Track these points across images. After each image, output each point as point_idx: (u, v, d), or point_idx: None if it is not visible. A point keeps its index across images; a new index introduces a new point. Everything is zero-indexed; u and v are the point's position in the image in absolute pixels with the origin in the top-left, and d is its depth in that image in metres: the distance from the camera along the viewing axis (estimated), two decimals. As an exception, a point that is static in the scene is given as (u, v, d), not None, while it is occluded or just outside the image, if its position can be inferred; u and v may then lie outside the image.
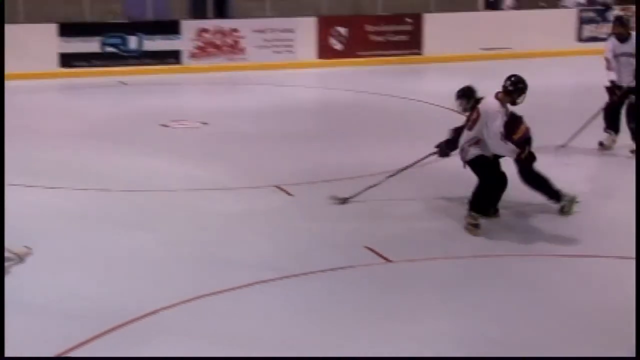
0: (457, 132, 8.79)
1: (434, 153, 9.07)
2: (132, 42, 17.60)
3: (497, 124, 8.08)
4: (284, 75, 17.28)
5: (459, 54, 18.51)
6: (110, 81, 16.47)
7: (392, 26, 18.99)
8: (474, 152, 8.31)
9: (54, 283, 7.08)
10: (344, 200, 8.91)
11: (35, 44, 16.77)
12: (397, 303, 6.76)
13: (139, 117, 13.52)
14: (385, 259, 7.63)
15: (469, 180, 8.36)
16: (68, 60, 17.20)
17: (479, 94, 8.65)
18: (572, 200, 8.77)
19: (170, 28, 17.88)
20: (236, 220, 8.68)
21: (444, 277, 7.34)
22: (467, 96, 8.90)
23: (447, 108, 13.56)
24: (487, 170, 8.35)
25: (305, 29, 18.39)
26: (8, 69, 16.23)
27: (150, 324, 6.32)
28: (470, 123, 8.36)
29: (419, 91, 15.16)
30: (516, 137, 8.44)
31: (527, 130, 8.67)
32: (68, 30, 17.22)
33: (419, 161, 9.15)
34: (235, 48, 18.14)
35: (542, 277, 7.32)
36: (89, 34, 17.37)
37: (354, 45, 18.65)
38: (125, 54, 17.59)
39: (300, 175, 9.38)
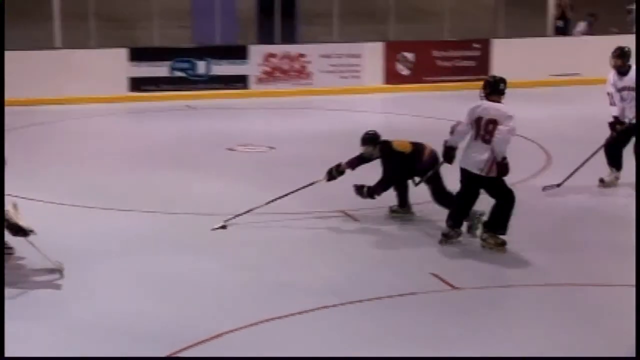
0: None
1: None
2: (201, 66, 17.77)
3: (514, 122, 8.29)
4: (350, 100, 17.29)
5: (528, 80, 18.34)
6: (179, 105, 16.64)
7: (459, 51, 18.90)
8: (494, 168, 8.28)
9: (120, 305, 7.14)
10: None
11: (106, 68, 17.04)
12: (462, 331, 6.67)
13: (206, 141, 13.63)
14: (451, 285, 7.56)
15: (532, 207, 8.24)
16: (137, 84, 17.43)
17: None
18: (479, 218, 8.68)
19: (238, 53, 18.01)
20: (301, 245, 8.67)
21: (511, 305, 7.23)
22: (373, 141, 9.20)
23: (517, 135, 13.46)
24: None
25: (372, 54, 18.39)
26: (80, 93, 16.70)
27: (214, 347, 6.34)
28: (488, 135, 8.28)
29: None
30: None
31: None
32: (138, 54, 17.45)
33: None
34: (302, 73, 18.21)
35: (608, 307, 7.18)
36: (158, 59, 17.58)
37: (421, 70, 18.59)
38: (193, 78, 17.77)
39: (367, 201, 9.34)
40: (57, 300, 7.23)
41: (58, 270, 7.64)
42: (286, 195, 9.34)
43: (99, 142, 13.57)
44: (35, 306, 7.12)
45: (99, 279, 7.67)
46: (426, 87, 18.47)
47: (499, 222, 8.38)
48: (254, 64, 17.99)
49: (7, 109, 15.58)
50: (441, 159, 8.81)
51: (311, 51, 18.28)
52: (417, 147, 9.22)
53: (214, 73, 17.79)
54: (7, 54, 16.63)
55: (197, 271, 7.90)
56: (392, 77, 18.58)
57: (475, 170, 8.33)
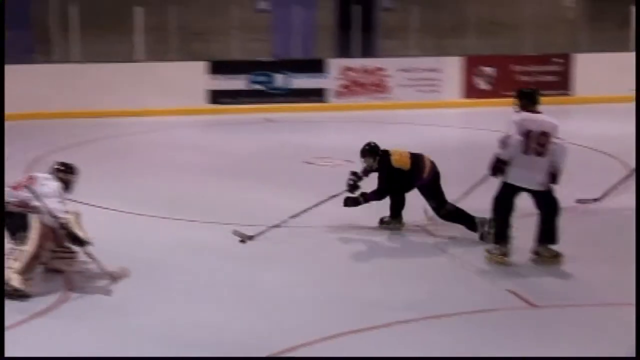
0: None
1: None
2: (279, 80, 17.84)
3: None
4: (428, 114, 17.16)
5: (610, 95, 17.98)
6: (257, 118, 16.71)
7: (540, 66, 18.64)
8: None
9: (196, 316, 7.14)
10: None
11: (185, 81, 17.22)
12: (540, 349, 6.52)
13: (284, 154, 13.64)
14: (529, 303, 7.40)
15: (616, 222, 8.01)
16: (216, 97, 17.57)
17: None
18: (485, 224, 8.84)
19: (316, 66, 18.04)
20: (378, 259, 8.59)
21: (592, 325, 7.05)
22: (375, 153, 9.13)
23: (597, 150, 13.20)
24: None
25: (451, 68, 18.25)
26: (159, 106, 16.89)
27: (288, 361, 6.29)
28: (542, 148, 8.12)
29: (567, 132, 14.72)
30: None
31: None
32: (216, 68, 17.59)
33: None
34: (380, 87, 18.15)
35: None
36: (237, 72, 17.71)
37: (501, 85, 18.35)
38: (271, 91, 17.84)
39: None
40: (124, 307, 7.26)
41: (118, 277, 7.71)
42: (315, 205, 9.26)
43: (178, 154, 13.68)
44: (100, 311, 7.17)
45: (173, 289, 7.69)
46: (506, 102, 18.17)
47: (550, 233, 8.24)
48: (332, 77, 17.99)
49: (88, 120, 16.05)
50: (487, 172, 8.52)
51: (390, 65, 18.22)
52: (417, 163, 9.15)
53: (292, 86, 17.84)
54: (90, 66, 17.07)
55: (273, 284, 7.87)
56: (471, 91, 18.41)
57: (534, 187, 8.17)
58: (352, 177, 9.32)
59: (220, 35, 18.88)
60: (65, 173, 7.92)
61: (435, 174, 9.14)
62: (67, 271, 7.84)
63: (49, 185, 7.67)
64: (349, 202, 9.24)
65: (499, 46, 19.64)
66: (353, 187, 9.28)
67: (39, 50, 18.61)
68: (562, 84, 18.55)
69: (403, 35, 19.31)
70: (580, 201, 10.06)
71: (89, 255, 7.73)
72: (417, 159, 9.22)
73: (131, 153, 14.00)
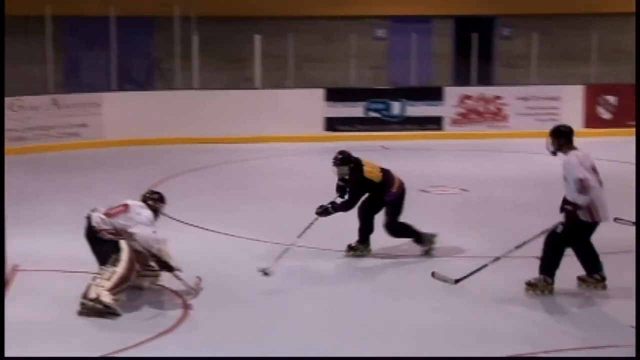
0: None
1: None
2: (395, 107, 17.82)
3: None
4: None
5: None
6: (373, 145, 16.67)
7: (665, 95, 18.11)
8: None
9: (322, 343, 7.09)
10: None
11: (302, 108, 17.37)
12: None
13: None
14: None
15: None
16: (332, 124, 17.65)
17: None
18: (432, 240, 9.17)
19: (433, 94, 17.96)
20: (492, 289, 8.42)
21: None
22: (347, 161, 9.26)
23: None
24: None
25: (572, 97, 17.91)
26: (277, 132, 17.04)
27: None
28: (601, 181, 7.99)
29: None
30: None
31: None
32: (333, 95, 17.69)
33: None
34: (497, 115, 17.94)
35: None
36: (354, 99, 17.77)
37: (624, 114, 17.90)
38: (388, 119, 17.83)
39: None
40: (249, 332, 7.29)
41: (198, 291, 7.81)
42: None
43: (294, 180, 13.76)
44: (224, 334, 7.21)
45: (298, 315, 7.71)
46: (628, 131, 17.74)
47: (597, 262, 8.19)
48: (449, 105, 17.87)
49: (206, 146, 16.30)
50: (560, 224, 8.13)
51: (508, 93, 18.01)
52: (387, 177, 9.28)
53: (409, 114, 17.79)
54: (209, 93, 17.37)
55: (388, 312, 7.79)
56: (592, 120, 18.02)
57: (609, 220, 8.06)
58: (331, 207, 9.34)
59: (338, 62, 18.99)
60: (156, 201, 8.09)
61: (403, 191, 9.29)
62: (149, 288, 8.00)
63: (143, 213, 7.84)
64: (322, 212, 9.27)
65: (622, 74, 19.16)
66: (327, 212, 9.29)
67: (161, 77, 19.07)
68: (688, 114, 17.95)
69: (522, 63, 19.05)
70: (617, 220, 9.65)
71: (176, 276, 7.86)
72: (387, 173, 9.36)
73: (248, 179, 14.14)
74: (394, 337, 7.23)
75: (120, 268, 7.58)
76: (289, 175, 14.28)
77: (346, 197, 9.29)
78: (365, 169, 9.29)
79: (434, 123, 17.88)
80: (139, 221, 7.74)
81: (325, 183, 13.59)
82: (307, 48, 19.02)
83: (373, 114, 17.86)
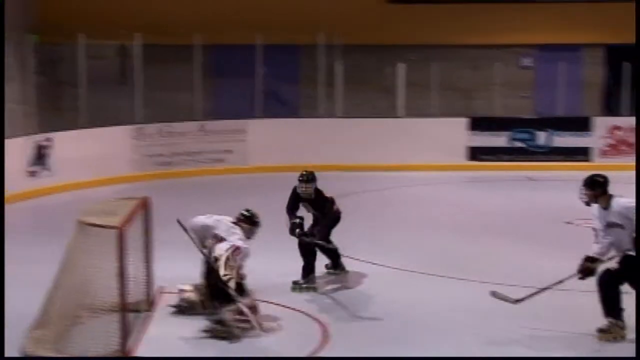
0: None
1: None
2: (541, 137, 17.45)
3: None
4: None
5: None
6: (517, 176, 16.39)
7: None
8: None
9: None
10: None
11: (446, 137, 17.24)
12: None
13: (544, 214, 13.23)
14: None
15: None
16: (476, 153, 17.42)
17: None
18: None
19: (580, 124, 17.51)
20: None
21: None
22: (315, 179, 9.25)
23: None
24: None
25: None
26: (419, 161, 16.94)
27: None
28: None
29: None
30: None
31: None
32: (478, 124, 17.48)
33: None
34: (648, 147, 17.32)
35: None
36: (498, 129, 17.51)
37: None
38: (533, 149, 17.47)
39: None
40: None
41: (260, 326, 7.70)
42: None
43: (437, 210, 13.63)
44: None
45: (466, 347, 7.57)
46: None
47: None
48: (597, 136, 17.38)
49: (348, 173, 16.33)
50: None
51: (661, 124, 17.36)
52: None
53: (555, 144, 17.39)
54: (352, 121, 17.41)
55: (530, 347, 7.55)
56: None
57: None
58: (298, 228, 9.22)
59: (482, 91, 18.77)
60: (244, 222, 8.17)
61: (340, 213, 9.42)
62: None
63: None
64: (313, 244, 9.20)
65: None
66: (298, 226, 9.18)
67: (305, 104, 19.25)
68: None
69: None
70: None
71: (232, 296, 7.72)
72: None
73: (388, 207, 14.08)
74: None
75: (248, 296, 7.73)
76: (432, 204, 14.15)
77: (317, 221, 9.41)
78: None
79: (581, 154, 17.42)
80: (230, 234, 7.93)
81: (470, 212, 13.49)
82: (451, 76, 18.87)
83: (518, 144, 17.54)
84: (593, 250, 7.79)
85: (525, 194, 15.21)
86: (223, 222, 8.06)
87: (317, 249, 9.24)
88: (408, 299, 8.94)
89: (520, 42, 19.64)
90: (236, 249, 7.75)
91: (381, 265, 10.08)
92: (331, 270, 9.65)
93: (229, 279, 7.62)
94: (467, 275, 9.56)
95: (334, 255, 9.55)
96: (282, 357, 6.20)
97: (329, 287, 9.23)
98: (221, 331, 7.54)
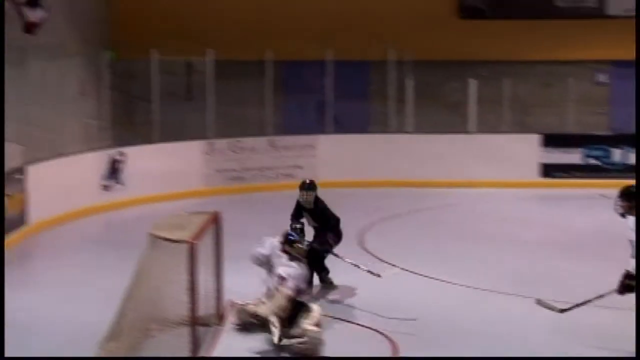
0: None
1: None
2: (616, 154, 17.16)
3: None
4: None
5: None
6: (591, 193, 16.10)
7: None
8: None
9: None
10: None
11: (518, 153, 17.06)
12: None
13: (617, 232, 12.93)
14: None
15: None
16: (548, 170, 17.20)
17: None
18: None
19: (657, 141, 17.14)
20: None
21: None
22: (315, 187, 9.62)
23: None
24: None
25: None
26: (490, 177, 16.77)
27: None
28: None
29: None
30: None
31: None
32: (550, 140, 17.26)
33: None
34: None
35: None
36: (571, 145, 17.27)
37: None
38: (607, 166, 17.18)
39: None
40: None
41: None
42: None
43: (509, 227, 13.47)
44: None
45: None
46: None
47: None
48: (673, 153, 17.00)
49: (419, 189, 16.24)
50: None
51: None
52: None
53: (631, 162, 17.06)
54: (422, 137, 17.32)
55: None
56: None
57: None
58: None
59: (556, 107, 18.52)
60: (285, 244, 8.28)
61: (341, 234, 9.65)
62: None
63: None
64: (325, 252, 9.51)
65: None
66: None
67: (376, 120, 19.21)
68: None
69: None
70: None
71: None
72: None
73: (459, 224, 13.95)
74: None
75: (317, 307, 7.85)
76: (504, 221, 13.99)
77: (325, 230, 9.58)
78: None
79: (655, 171, 17.06)
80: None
81: (542, 229, 13.29)
82: (523, 92, 18.68)
83: (592, 161, 17.27)
84: (631, 264, 7.57)
85: (599, 211, 14.89)
86: (274, 246, 8.18)
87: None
88: (479, 317, 8.84)
89: (595, 58, 19.35)
90: (283, 280, 7.82)
91: (447, 281, 9.98)
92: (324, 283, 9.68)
93: (271, 314, 7.73)
94: (541, 294, 9.40)
95: (323, 269, 9.67)
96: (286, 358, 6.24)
97: (399, 303, 9.18)
98: (302, 342, 7.53)
